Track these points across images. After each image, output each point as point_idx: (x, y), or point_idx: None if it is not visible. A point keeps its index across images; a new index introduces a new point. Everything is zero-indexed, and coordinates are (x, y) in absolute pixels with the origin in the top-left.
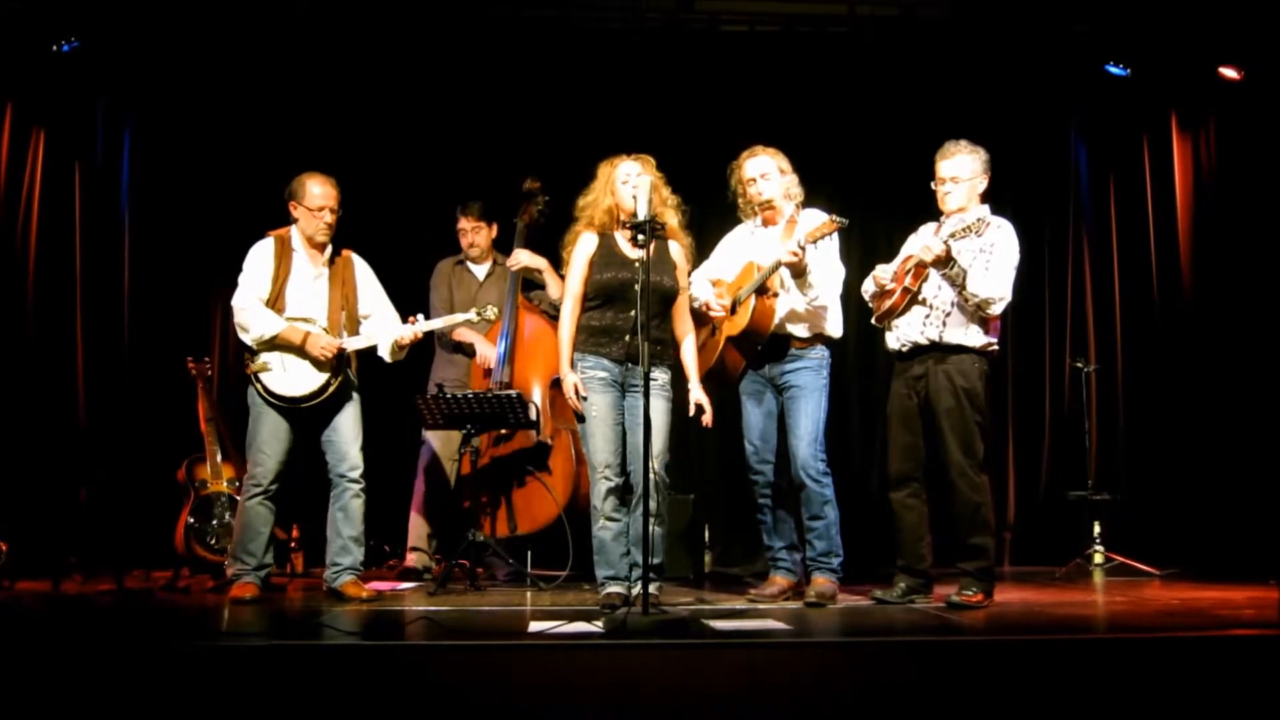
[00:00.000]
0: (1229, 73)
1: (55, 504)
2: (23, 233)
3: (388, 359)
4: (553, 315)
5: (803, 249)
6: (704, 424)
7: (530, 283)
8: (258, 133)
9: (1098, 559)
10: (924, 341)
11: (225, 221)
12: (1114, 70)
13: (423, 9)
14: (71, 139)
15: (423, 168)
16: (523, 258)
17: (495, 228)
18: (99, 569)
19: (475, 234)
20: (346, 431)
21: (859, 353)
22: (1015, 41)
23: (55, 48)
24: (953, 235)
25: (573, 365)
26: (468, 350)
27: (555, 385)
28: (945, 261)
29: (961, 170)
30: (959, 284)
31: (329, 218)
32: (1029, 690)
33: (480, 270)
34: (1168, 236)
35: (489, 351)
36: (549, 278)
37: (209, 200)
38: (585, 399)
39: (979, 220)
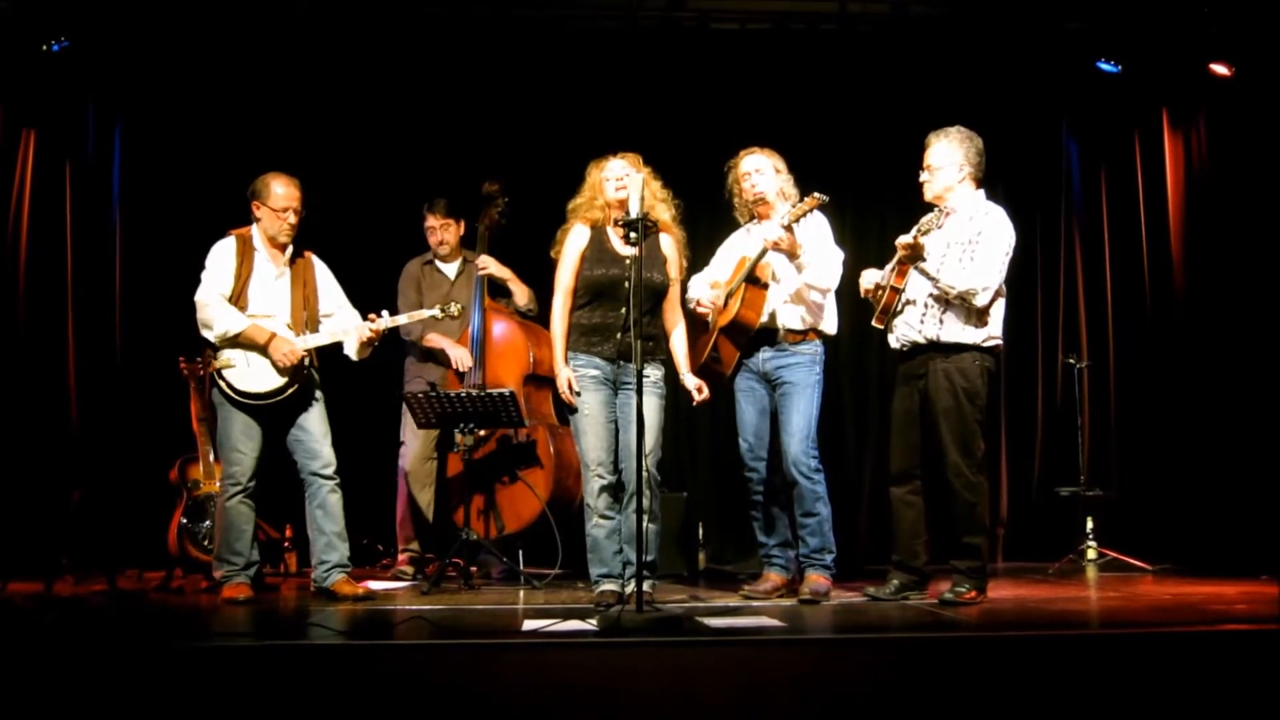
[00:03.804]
0: (1220, 69)
1: (48, 504)
2: (13, 233)
3: (354, 357)
4: (520, 314)
5: (787, 229)
6: (695, 402)
7: (496, 287)
8: (248, 132)
9: (1090, 555)
10: (922, 340)
11: (217, 221)
12: (1106, 67)
13: (417, 9)
14: (62, 139)
15: (416, 169)
16: (491, 265)
17: (463, 224)
18: (92, 570)
19: (444, 231)
20: (315, 430)
21: (852, 350)
22: (1007, 38)
23: (45, 48)
24: (920, 231)
25: (565, 361)
26: (439, 357)
27: (528, 382)
28: (916, 256)
29: (935, 158)
30: (932, 277)
31: (293, 218)
32: (1022, 686)
33: (450, 269)
34: (1159, 232)
35: (460, 354)
36: (515, 286)
37: (200, 199)
38: (578, 395)
39: (939, 213)
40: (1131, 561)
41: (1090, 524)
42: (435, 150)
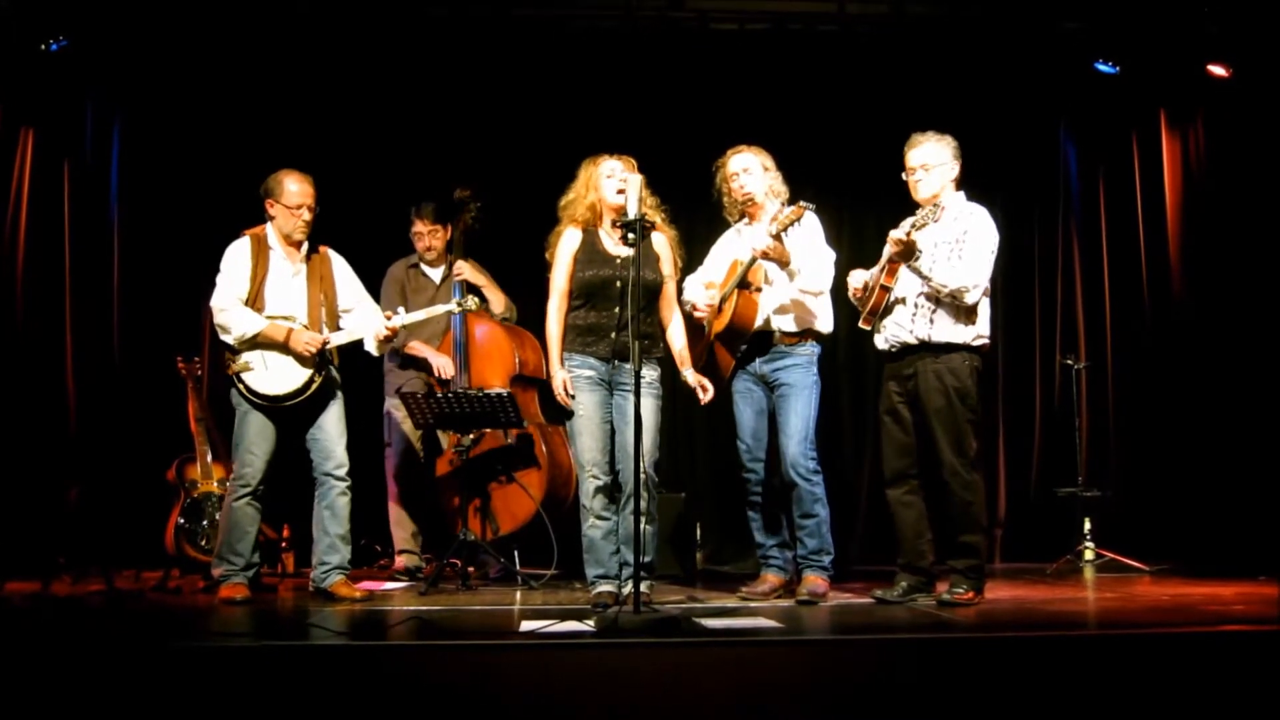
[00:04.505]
0: (1217, 70)
1: (45, 504)
2: (11, 232)
3: (375, 352)
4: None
5: (775, 238)
6: (702, 402)
7: (472, 292)
8: (247, 131)
9: (1088, 555)
10: (913, 341)
11: (215, 220)
12: (1103, 68)
13: (415, 9)
14: (60, 138)
15: (404, 171)
16: (466, 270)
17: (449, 229)
18: (89, 569)
19: (432, 237)
20: (331, 429)
21: (849, 350)
22: (1005, 39)
23: (44, 46)
24: (914, 226)
25: (561, 363)
26: (420, 365)
27: (515, 384)
28: (909, 253)
29: (929, 158)
30: (924, 275)
31: (307, 215)
32: (1020, 687)
33: (436, 274)
34: (1157, 233)
35: (442, 362)
36: (491, 293)
37: (199, 199)
38: (573, 397)
39: (934, 207)
40: (1129, 562)
41: (1088, 524)
42: (425, 152)
